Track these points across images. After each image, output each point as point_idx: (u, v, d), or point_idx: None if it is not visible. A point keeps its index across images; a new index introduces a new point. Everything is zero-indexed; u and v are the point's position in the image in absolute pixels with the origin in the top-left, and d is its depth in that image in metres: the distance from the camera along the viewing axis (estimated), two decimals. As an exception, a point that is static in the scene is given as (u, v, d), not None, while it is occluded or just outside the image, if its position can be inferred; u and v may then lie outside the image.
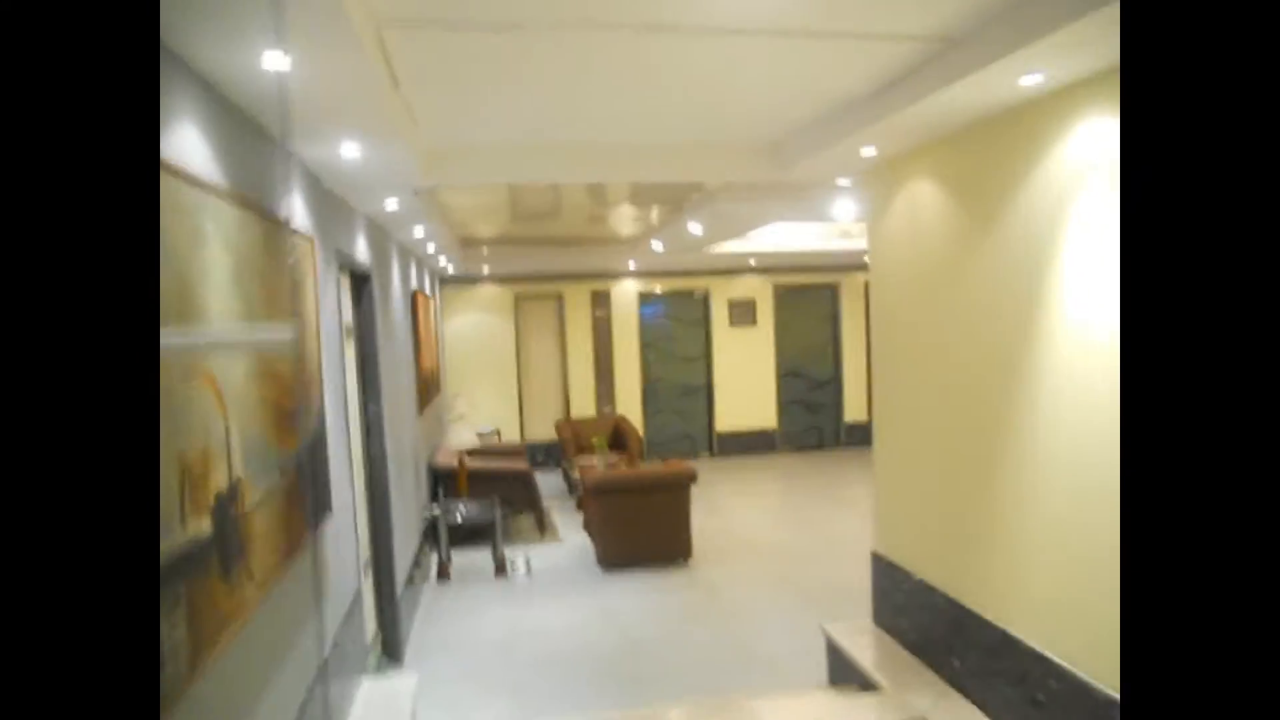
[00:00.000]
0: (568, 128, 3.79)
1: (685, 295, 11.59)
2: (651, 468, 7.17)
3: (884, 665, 3.82)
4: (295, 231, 2.92)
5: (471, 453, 8.53)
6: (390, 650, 4.84)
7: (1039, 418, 2.93)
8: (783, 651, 4.99)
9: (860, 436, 10.99)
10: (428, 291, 8.54)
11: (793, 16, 2.41)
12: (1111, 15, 2.02)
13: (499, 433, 10.65)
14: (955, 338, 3.45)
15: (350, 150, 3.04)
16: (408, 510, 5.78)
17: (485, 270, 10.35)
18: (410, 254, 7.09)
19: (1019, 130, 2.93)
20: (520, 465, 7.77)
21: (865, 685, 3.82)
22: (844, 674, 4.11)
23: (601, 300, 11.32)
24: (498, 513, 6.76)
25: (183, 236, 1.90)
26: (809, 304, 11.86)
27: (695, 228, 6.89)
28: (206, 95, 2.12)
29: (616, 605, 5.94)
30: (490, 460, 7.96)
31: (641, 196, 6.48)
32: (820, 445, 11.91)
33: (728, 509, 8.71)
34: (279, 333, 2.64)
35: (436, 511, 6.73)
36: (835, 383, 11.92)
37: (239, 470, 2.19)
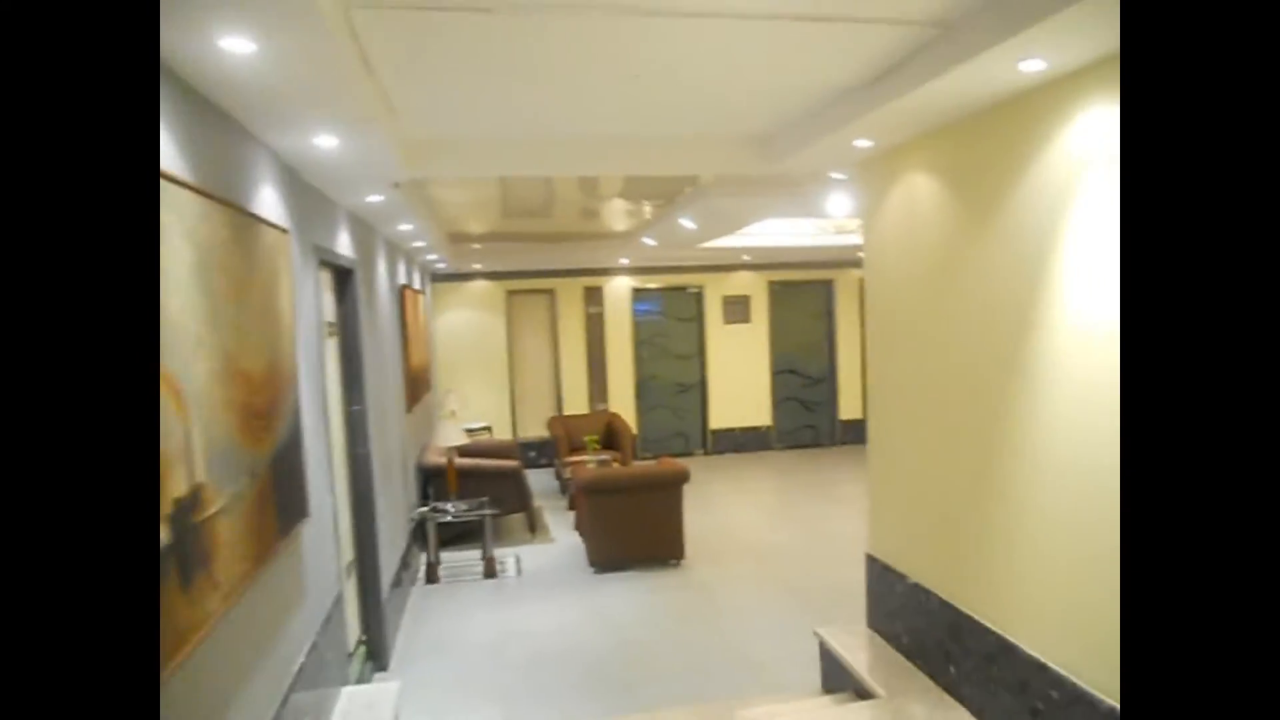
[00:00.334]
0: (552, 119, 3.69)
1: (679, 291, 11.49)
2: (644, 466, 7.07)
3: (879, 671, 3.73)
4: (267, 224, 2.81)
5: (461, 451, 8.42)
6: (375, 655, 4.73)
7: (1037, 417, 2.83)
8: (776, 655, 4.90)
9: (856, 434, 10.90)
10: (418, 287, 8.43)
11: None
12: (1115, -3, 1.92)
13: (491, 430, 10.54)
14: (952, 334, 3.35)
15: (325, 140, 2.93)
16: (395, 511, 5.67)
17: (477, 266, 10.23)
18: (399, 250, 6.98)
19: (1019, 120, 2.83)
20: (511, 464, 7.67)
21: (860, 691, 3.73)
22: (838, 679, 4.01)
23: (594, 296, 11.22)
24: (487, 512, 6.66)
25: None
26: (804, 300, 11.76)
27: (688, 223, 6.78)
28: (165, 80, 2.01)
29: (608, 607, 5.84)
30: (480, 459, 7.84)
31: (634, 191, 6.37)
32: (815, 443, 11.82)
33: (722, 508, 8.62)
34: (248, 330, 2.53)
35: (425, 511, 6.63)
36: (830, 379, 11.83)
37: (201, 475, 2.08)
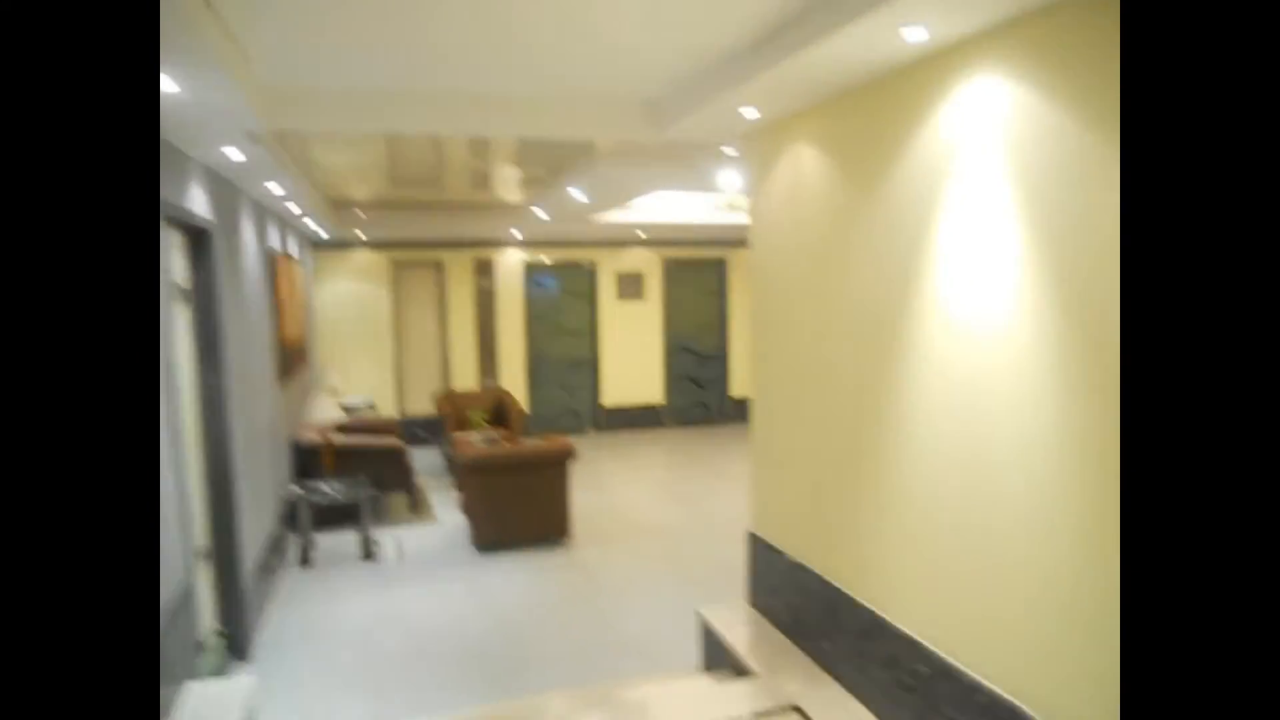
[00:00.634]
0: (426, 73, 3.45)
1: (573, 267, 11.29)
2: (530, 444, 6.90)
3: (757, 649, 3.71)
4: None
5: (341, 428, 8.04)
6: (235, 647, 4.43)
7: (906, 400, 2.82)
8: (659, 635, 4.85)
9: (746, 412, 11.00)
10: (295, 255, 7.96)
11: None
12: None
13: (375, 407, 10.13)
14: (832, 314, 3.31)
15: (162, 82, 2.62)
16: (260, 492, 5.33)
17: (361, 235, 9.76)
18: (270, 214, 6.53)
19: (902, 92, 2.78)
20: (392, 442, 7.36)
21: (739, 669, 3.70)
22: (718, 657, 3.98)
23: (485, 269, 10.91)
24: (366, 493, 6.36)
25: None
26: (698, 278, 11.77)
27: (578, 193, 6.61)
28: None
29: (490, 589, 5.67)
30: (360, 436, 7.50)
31: (525, 158, 6.14)
32: (707, 420, 11.90)
33: (610, 486, 8.55)
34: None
35: (298, 492, 6.27)
36: (722, 358, 11.91)
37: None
